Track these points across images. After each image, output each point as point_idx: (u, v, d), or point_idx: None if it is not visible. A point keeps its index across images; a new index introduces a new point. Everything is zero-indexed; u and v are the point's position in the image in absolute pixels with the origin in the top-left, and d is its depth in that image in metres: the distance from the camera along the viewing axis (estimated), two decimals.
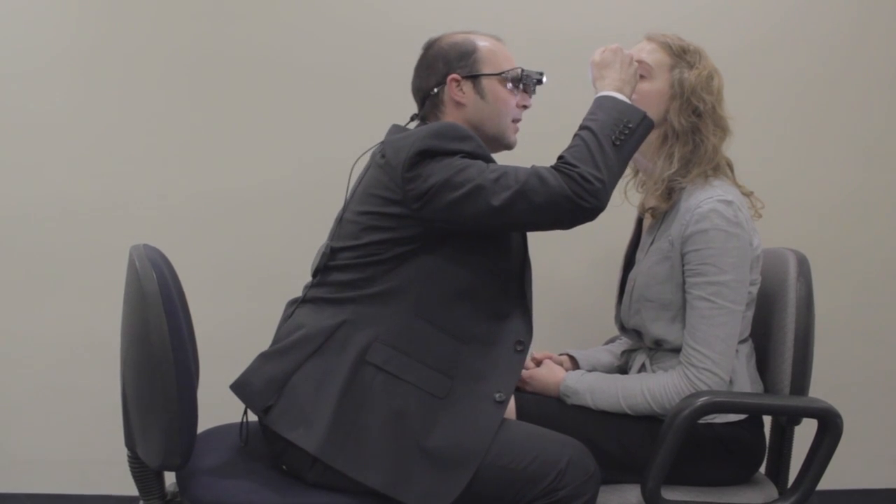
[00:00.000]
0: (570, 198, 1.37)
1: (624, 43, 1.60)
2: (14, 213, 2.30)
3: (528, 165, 1.43)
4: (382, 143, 1.55)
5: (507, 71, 1.60)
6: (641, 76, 1.60)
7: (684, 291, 1.57)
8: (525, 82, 1.61)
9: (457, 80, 1.57)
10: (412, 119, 1.65)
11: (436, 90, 1.59)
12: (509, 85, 1.60)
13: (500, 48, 1.62)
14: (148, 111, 2.30)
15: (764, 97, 2.34)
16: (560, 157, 1.43)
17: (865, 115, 2.38)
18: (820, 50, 2.36)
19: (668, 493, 1.54)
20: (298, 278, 1.61)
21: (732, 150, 1.67)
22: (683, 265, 1.56)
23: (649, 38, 1.65)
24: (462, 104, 1.58)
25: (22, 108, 2.29)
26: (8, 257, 2.31)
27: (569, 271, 2.33)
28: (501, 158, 1.54)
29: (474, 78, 1.58)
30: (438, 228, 1.45)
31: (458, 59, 1.58)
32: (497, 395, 1.45)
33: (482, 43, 1.60)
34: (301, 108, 2.31)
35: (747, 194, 1.64)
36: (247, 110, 2.31)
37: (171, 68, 2.29)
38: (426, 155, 1.42)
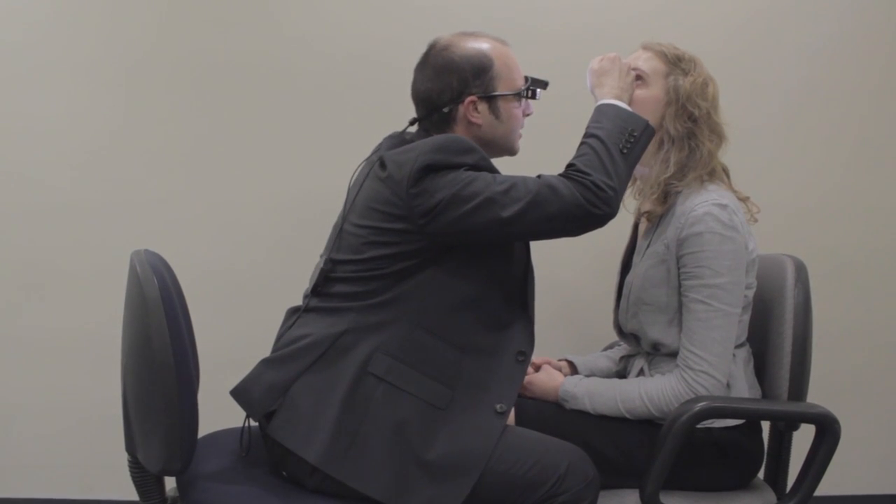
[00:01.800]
0: (584, 206, 1.38)
1: (619, 50, 1.61)
2: (16, 217, 2.31)
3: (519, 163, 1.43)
4: (379, 153, 1.53)
5: (522, 90, 1.58)
6: (638, 83, 1.62)
7: (681, 295, 1.58)
8: (532, 90, 1.60)
9: (474, 102, 1.54)
10: (412, 123, 1.61)
11: (448, 108, 1.55)
12: (522, 99, 1.59)
13: (510, 58, 1.58)
14: (151, 117, 2.31)
15: (761, 104, 2.35)
16: (570, 166, 1.43)
17: (864, 120, 2.39)
18: (818, 55, 2.37)
19: (667, 499, 1.54)
20: (299, 285, 1.61)
21: (730, 156, 1.68)
22: (679, 268, 1.57)
23: (645, 47, 1.67)
24: (477, 124, 1.55)
25: (26, 111, 2.30)
26: (9, 260, 2.32)
27: (567, 277, 2.33)
28: (501, 163, 1.54)
29: (490, 98, 1.55)
30: (444, 242, 1.44)
31: (473, 76, 1.53)
32: (498, 406, 1.45)
33: (495, 56, 1.55)
34: (302, 115, 2.32)
35: (743, 199, 1.65)
36: (249, 118, 2.31)
37: (175, 75, 2.30)
38: (431, 170, 1.41)
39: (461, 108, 1.54)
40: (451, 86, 1.54)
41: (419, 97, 1.59)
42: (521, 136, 1.63)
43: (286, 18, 2.31)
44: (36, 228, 2.31)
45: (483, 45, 1.56)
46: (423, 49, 1.60)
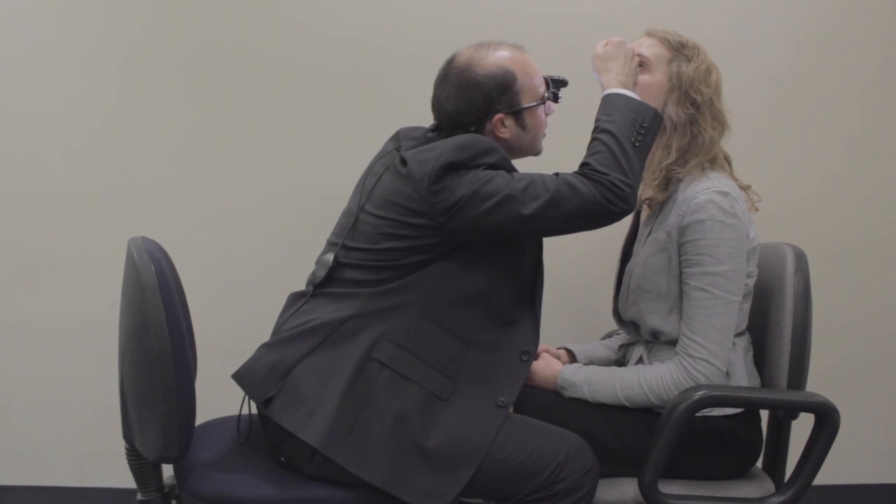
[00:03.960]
0: (603, 203, 1.40)
1: (623, 36, 1.60)
2: (11, 204, 2.30)
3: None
4: (399, 148, 1.54)
5: (545, 96, 1.57)
6: (641, 69, 1.61)
7: (681, 282, 1.57)
8: (554, 93, 1.60)
9: (501, 119, 1.53)
10: (432, 131, 1.59)
11: (474, 127, 1.54)
12: (545, 102, 1.59)
13: (530, 66, 1.56)
14: (148, 104, 2.29)
15: (763, 93, 2.34)
16: (586, 164, 1.44)
17: (865, 109, 2.38)
18: (818, 44, 2.35)
19: (665, 487, 1.54)
20: (297, 273, 1.61)
21: (732, 145, 1.68)
22: (680, 255, 1.57)
23: (649, 34, 1.67)
24: (504, 139, 1.55)
25: (21, 98, 2.28)
26: (6, 248, 2.31)
27: (566, 265, 2.33)
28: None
29: (516, 112, 1.54)
30: (462, 239, 1.45)
31: (498, 94, 1.52)
32: (500, 400, 1.46)
33: (516, 67, 1.53)
34: (301, 103, 2.30)
35: (744, 188, 1.65)
36: (247, 105, 2.30)
37: (172, 61, 2.28)
38: (452, 168, 1.42)
39: (488, 125, 1.54)
40: (477, 105, 1.53)
41: (443, 114, 1.56)
42: (545, 135, 1.63)
43: (286, 2, 2.29)
44: (32, 216, 2.30)
45: (503, 58, 1.53)
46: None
